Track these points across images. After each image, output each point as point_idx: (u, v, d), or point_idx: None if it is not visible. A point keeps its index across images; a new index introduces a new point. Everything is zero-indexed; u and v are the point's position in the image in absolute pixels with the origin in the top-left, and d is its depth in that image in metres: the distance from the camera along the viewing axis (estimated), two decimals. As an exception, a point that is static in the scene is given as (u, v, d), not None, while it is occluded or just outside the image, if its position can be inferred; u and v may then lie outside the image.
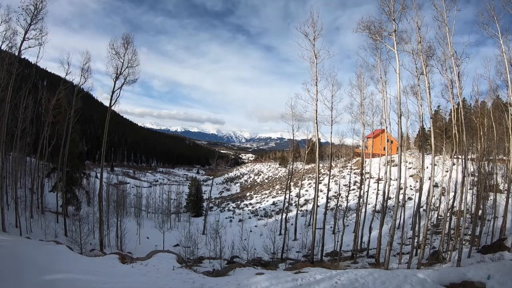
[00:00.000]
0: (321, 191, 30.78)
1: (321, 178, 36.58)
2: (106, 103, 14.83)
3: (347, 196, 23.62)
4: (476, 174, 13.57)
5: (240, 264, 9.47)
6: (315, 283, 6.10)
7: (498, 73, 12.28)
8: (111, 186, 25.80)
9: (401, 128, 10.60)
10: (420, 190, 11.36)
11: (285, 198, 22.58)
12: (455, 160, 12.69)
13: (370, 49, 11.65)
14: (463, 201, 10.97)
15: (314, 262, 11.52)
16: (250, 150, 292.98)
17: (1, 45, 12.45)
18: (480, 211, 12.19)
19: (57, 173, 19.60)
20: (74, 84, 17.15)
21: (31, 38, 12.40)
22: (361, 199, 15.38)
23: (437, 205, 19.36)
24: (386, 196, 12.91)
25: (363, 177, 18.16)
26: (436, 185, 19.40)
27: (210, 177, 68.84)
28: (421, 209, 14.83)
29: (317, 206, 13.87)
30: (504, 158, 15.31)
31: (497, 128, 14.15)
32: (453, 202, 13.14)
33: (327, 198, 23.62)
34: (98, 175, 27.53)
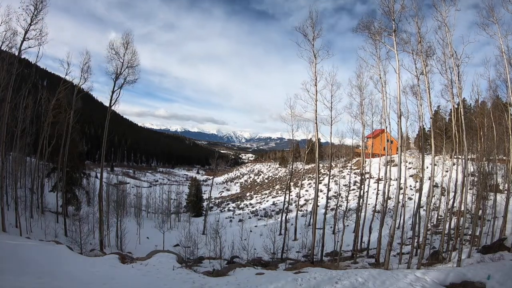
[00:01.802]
0: (321, 191, 30.78)
1: (321, 178, 36.57)
2: (106, 103, 14.83)
3: (347, 196, 23.64)
4: (476, 174, 13.56)
5: (240, 264, 9.47)
6: (315, 283, 6.09)
7: (498, 73, 12.27)
8: (111, 186, 25.82)
9: (401, 128, 10.61)
10: (420, 190, 11.39)
11: (285, 198, 22.58)
12: (455, 160, 12.72)
13: (369, 49, 11.64)
14: (463, 201, 10.98)
15: (314, 262, 11.52)
16: (250, 150, 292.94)
17: (1, 45, 12.47)
18: (480, 211, 12.19)
19: (57, 173, 19.61)
20: (74, 84, 17.17)
21: (31, 38, 12.43)
22: (361, 199, 15.38)
23: (437, 205, 19.36)
24: (386, 196, 12.91)
25: (363, 177, 18.16)
26: (436, 185, 19.39)
27: (210, 177, 68.86)
28: (421, 209, 14.83)
29: (317, 206, 13.88)
30: (504, 158, 15.30)
31: (497, 128, 14.14)
32: (453, 202, 13.14)
33: (327, 198, 23.66)
34: (98, 175, 27.57)
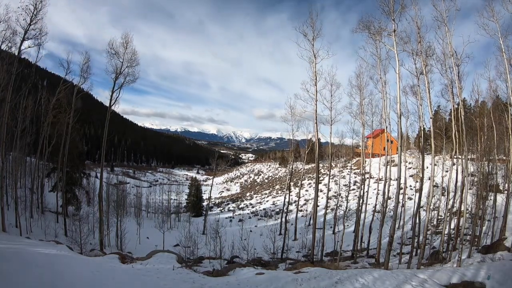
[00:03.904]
0: (321, 191, 30.77)
1: (321, 178, 36.56)
2: (106, 103, 14.85)
3: (347, 196, 23.64)
4: (476, 174, 13.55)
5: (240, 264, 9.47)
6: (315, 283, 6.09)
7: (498, 73, 12.23)
8: (111, 186, 25.81)
9: (401, 128, 10.60)
10: (420, 190, 11.36)
11: (285, 198, 22.58)
12: (455, 160, 12.70)
13: (369, 49, 11.65)
14: (463, 201, 10.98)
15: (314, 262, 11.52)
16: (250, 150, 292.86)
17: (1, 45, 12.47)
18: (480, 211, 12.18)
19: (57, 173, 19.61)
20: (74, 84, 17.17)
21: (31, 38, 12.45)
22: (361, 199, 15.37)
23: (437, 205, 19.36)
24: (386, 196, 12.90)
25: (363, 177, 18.16)
26: (436, 185, 19.39)
27: (210, 177, 68.91)
28: (421, 209, 14.83)
29: (317, 206, 13.88)
30: (504, 158, 15.29)
31: (497, 128, 14.12)
32: (453, 202, 13.13)
33: (327, 198, 23.63)
34: (98, 175, 27.57)
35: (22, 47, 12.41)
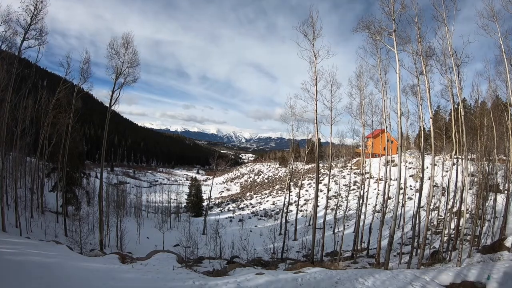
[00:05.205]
0: (321, 191, 30.77)
1: (321, 178, 36.55)
2: (106, 103, 14.85)
3: (347, 196, 23.66)
4: (476, 174, 13.55)
5: (240, 264, 9.47)
6: (315, 283, 6.09)
7: (498, 73, 12.26)
8: (111, 186, 25.81)
9: (401, 128, 10.60)
10: (420, 190, 11.36)
11: (285, 198, 22.56)
12: (455, 160, 12.70)
13: (370, 49, 11.66)
14: (463, 201, 10.97)
15: (314, 262, 11.51)
16: (250, 150, 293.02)
17: (1, 45, 12.49)
18: (480, 211, 12.18)
19: (57, 173, 19.61)
20: (74, 84, 17.17)
21: (31, 38, 12.46)
22: (361, 199, 15.38)
23: (437, 205, 19.36)
24: (386, 196, 12.90)
25: (363, 177, 18.16)
26: (436, 185, 19.38)
27: (210, 177, 68.86)
28: (421, 209, 14.82)
29: (317, 206, 13.87)
30: (504, 158, 15.29)
31: (497, 128, 14.12)
32: (453, 202, 13.13)
33: (327, 198, 23.66)
34: (98, 175, 27.57)
35: (22, 47, 12.43)
